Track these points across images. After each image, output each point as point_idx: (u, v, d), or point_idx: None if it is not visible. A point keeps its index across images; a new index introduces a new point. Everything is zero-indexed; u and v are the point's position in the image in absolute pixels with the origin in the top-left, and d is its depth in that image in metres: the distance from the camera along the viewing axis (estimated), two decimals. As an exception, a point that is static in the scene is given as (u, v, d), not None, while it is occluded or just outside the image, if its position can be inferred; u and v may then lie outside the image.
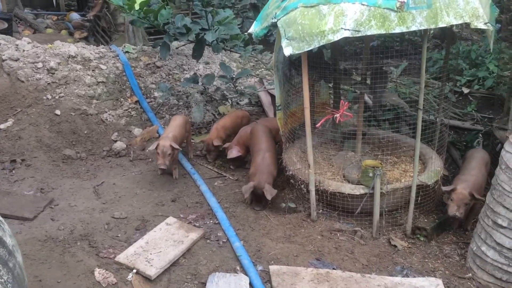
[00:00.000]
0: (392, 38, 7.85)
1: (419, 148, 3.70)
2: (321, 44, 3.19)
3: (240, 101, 6.29)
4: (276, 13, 3.45)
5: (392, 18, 3.08)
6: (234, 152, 4.73)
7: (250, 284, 3.13)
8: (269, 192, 3.96)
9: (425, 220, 3.91)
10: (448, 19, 3.09)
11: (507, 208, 3.07)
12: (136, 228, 3.73)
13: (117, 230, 3.67)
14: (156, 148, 4.29)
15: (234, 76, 5.71)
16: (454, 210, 3.65)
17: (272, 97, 5.75)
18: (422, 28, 3.10)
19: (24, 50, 5.90)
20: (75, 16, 11.45)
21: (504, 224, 3.10)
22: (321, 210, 3.97)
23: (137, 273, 3.18)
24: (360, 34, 3.11)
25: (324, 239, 3.71)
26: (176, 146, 4.34)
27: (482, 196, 3.64)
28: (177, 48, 7.06)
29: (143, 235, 3.60)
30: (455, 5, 3.11)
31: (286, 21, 3.33)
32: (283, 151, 4.46)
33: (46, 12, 12.26)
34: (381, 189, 3.67)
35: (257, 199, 4.11)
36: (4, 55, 5.63)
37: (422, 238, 3.79)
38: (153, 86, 6.26)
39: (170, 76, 6.56)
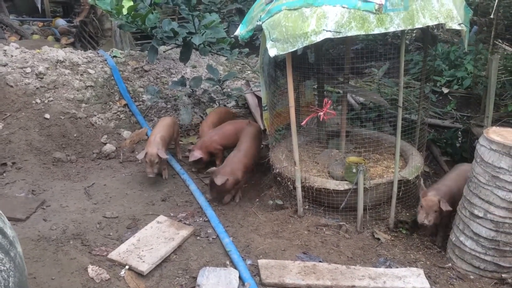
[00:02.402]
0: (375, 41, 8.05)
1: (401, 145, 3.86)
2: (304, 45, 3.33)
3: (227, 103, 6.41)
4: (261, 16, 3.58)
5: (371, 19, 3.23)
6: (195, 155, 4.75)
7: (240, 277, 3.23)
8: (219, 179, 4.09)
9: (407, 214, 4.07)
10: (424, 20, 3.25)
11: (483, 199, 3.23)
12: (128, 227, 3.82)
13: (108, 229, 3.76)
14: (145, 157, 4.39)
15: (221, 78, 5.83)
16: (422, 217, 3.61)
17: (259, 99, 5.87)
18: (400, 29, 3.26)
19: (12, 56, 5.96)
20: (61, 22, 11.48)
21: (480, 215, 3.26)
22: (307, 206, 4.08)
23: (130, 269, 3.26)
24: (341, 35, 3.26)
25: (310, 234, 3.83)
26: (163, 155, 4.44)
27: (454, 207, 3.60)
28: (164, 52, 7.16)
29: (135, 233, 3.68)
30: (430, 7, 3.28)
31: (271, 24, 3.46)
32: (270, 150, 4.59)
33: (31, 18, 12.25)
34: (364, 184, 3.81)
35: (211, 187, 4.25)
36: (-8, 60, 5.68)
37: (404, 231, 3.94)
38: (141, 89, 6.35)
39: (158, 79, 6.66)
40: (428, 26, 3.75)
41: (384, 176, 4.08)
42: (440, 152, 5.18)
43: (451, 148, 5.13)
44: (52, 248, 3.40)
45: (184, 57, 5.52)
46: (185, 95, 6.21)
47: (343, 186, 3.90)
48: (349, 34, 3.25)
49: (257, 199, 4.41)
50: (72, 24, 10.88)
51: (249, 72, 7.51)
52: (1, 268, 1.74)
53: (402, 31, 3.49)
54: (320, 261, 3.47)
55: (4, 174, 4.58)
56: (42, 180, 4.55)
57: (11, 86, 5.48)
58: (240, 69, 7.77)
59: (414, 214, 4.05)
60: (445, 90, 6.25)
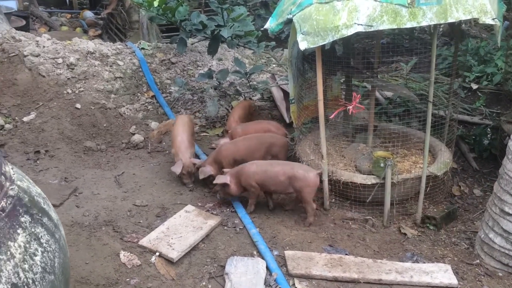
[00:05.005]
0: (401, 36, 7.95)
1: (429, 141, 3.84)
2: (335, 38, 3.34)
3: (253, 96, 6.45)
4: (291, 9, 3.60)
5: (403, 13, 3.22)
6: (207, 171, 4.29)
7: (267, 267, 3.28)
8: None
9: (435, 210, 4.06)
10: (457, 15, 3.22)
11: (514, 196, 3.20)
12: (157, 215, 3.90)
13: (139, 217, 3.85)
14: (182, 169, 4.36)
15: (247, 71, 5.87)
16: None
17: (284, 92, 5.89)
18: (433, 23, 3.24)
19: (44, 46, 6.10)
20: (88, 14, 11.69)
21: (511, 212, 3.23)
22: (333, 200, 4.11)
23: (160, 256, 3.35)
24: (372, 29, 3.26)
25: (336, 227, 3.86)
26: (196, 161, 4.47)
27: None
28: (192, 44, 7.23)
29: (164, 221, 3.76)
30: (464, 1, 3.24)
31: (302, 17, 3.48)
32: (296, 143, 4.61)
33: (59, 10, 12.51)
34: (392, 179, 3.81)
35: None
36: (25, 51, 5.82)
37: (431, 227, 3.92)
38: (168, 81, 6.44)
39: (184, 72, 6.73)
40: (460, 21, 3.71)
41: (412, 171, 4.06)
42: (469, 148, 5.12)
43: (478, 146, 5.06)
44: (85, 233, 3.51)
45: (212, 50, 5.58)
46: (212, 88, 6.26)
47: (370, 180, 3.91)
48: (381, 28, 3.25)
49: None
50: (100, 16, 11.07)
51: (274, 65, 7.52)
52: (47, 249, 1.83)
53: (435, 26, 3.46)
54: (346, 254, 3.50)
55: (38, 162, 4.72)
56: (74, 168, 4.67)
57: (44, 76, 5.63)
58: (265, 62, 7.79)
59: (442, 210, 4.04)
60: (474, 86, 6.14)
